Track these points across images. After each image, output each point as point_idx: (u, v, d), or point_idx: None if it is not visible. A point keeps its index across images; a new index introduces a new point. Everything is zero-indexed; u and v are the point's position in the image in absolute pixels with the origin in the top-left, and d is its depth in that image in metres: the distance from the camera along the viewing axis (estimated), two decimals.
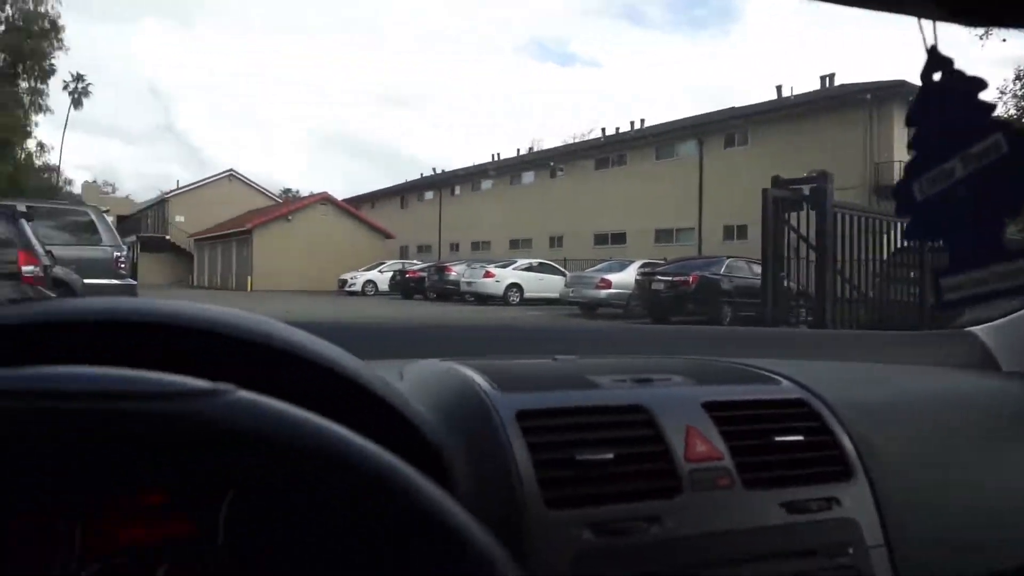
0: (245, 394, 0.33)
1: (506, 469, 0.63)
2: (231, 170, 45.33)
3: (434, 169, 39.48)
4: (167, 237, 43.33)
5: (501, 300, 20.46)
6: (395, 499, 0.35)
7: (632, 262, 17.21)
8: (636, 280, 15.40)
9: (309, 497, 0.36)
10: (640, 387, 0.76)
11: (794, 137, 21.34)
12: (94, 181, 57.49)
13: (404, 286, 24.73)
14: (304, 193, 44.78)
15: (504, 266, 21.34)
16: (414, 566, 0.36)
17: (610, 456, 0.65)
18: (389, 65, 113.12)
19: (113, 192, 64.22)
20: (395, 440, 0.44)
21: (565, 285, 17.55)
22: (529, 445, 0.65)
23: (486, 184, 34.57)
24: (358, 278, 28.11)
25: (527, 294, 20.88)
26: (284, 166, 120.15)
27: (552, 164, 30.00)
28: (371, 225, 33.36)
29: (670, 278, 14.45)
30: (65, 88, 66.10)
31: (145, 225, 47.47)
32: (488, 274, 20.54)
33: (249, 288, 30.06)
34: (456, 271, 22.51)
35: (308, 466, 0.33)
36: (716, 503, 0.67)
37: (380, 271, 28.43)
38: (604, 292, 16.21)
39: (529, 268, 21.55)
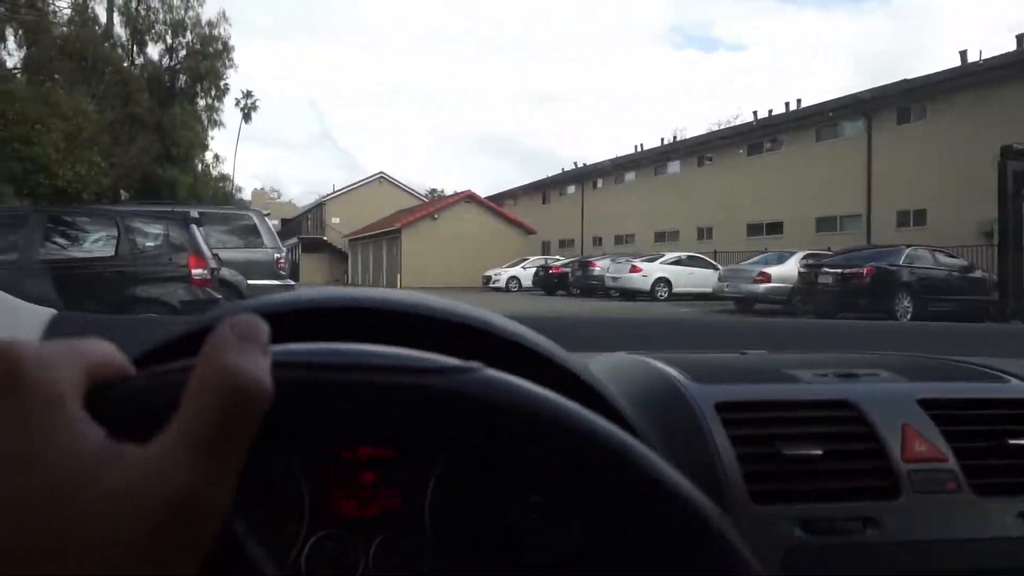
0: (495, 372, 0.35)
1: (708, 461, 0.62)
2: (381, 173, 47.50)
3: (575, 163, 39.12)
4: (324, 238, 46.13)
5: (648, 295, 19.67)
6: (633, 474, 0.35)
7: (793, 253, 15.85)
8: (799, 273, 14.11)
9: (552, 470, 0.36)
10: (845, 382, 0.72)
11: (982, 109, 18.77)
12: (262, 188, 62.45)
13: (547, 282, 24.52)
14: (448, 192, 45.95)
15: (651, 260, 20.50)
16: (667, 551, 0.36)
17: (819, 452, 0.63)
18: (528, 63, 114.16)
19: (278, 198, 69.69)
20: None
21: (719, 279, 16.48)
22: (731, 437, 0.63)
23: (629, 176, 33.63)
24: (502, 274, 28.30)
25: (676, 289, 19.94)
26: (430, 167, 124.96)
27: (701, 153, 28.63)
28: (513, 221, 33.52)
29: (840, 270, 13.08)
30: (237, 104, 72.48)
31: (305, 227, 50.90)
32: (634, 268, 19.79)
33: (399, 285, 31.18)
34: (600, 266, 21.95)
35: (557, 440, 0.34)
36: (942, 508, 0.63)
37: (523, 267, 28.45)
38: (763, 286, 15.03)
39: (677, 262, 20.57)
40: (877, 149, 21.68)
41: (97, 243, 7.12)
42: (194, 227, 7.52)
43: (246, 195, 62.16)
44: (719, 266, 21.10)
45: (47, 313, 0.93)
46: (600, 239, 35.06)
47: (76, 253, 6.97)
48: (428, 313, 0.53)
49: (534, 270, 26.58)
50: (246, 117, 73.81)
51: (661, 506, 0.35)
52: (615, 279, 20.31)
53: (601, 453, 0.35)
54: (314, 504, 0.58)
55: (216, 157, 37.82)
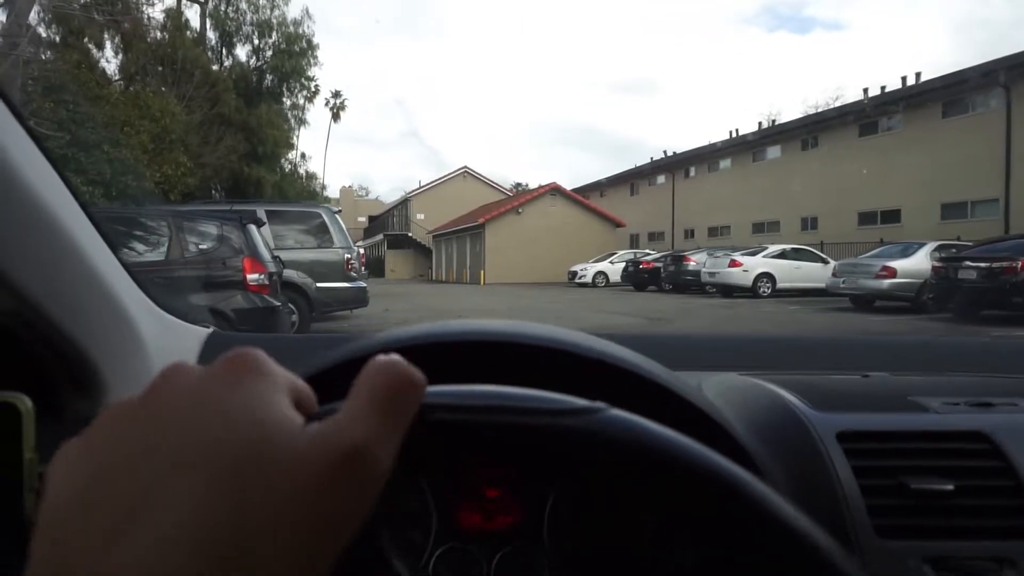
0: (620, 412, 0.37)
1: (831, 492, 0.60)
2: (465, 167, 47.11)
3: (664, 152, 37.32)
4: (409, 234, 46.19)
5: (749, 292, 18.06)
6: (748, 511, 0.35)
7: (922, 245, 13.96)
8: (933, 267, 12.30)
9: (669, 501, 0.37)
10: (978, 412, 0.67)
11: None
12: (350, 186, 63.44)
13: (636, 277, 23.18)
14: (533, 186, 45.03)
15: (752, 254, 18.83)
16: None
17: (950, 487, 0.60)
18: (614, 51, 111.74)
19: (366, 195, 70.85)
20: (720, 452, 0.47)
21: (833, 275, 14.75)
22: (854, 468, 0.61)
23: (724, 163, 31.62)
24: (588, 269, 27.13)
25: (780, 284, 18.23)
26: (515, 161, 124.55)
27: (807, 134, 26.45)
28: (600, 214, 32.20)
29: (987, 264, 11.23)
30: (326, 104, 74.47)
31: (391, 224, 51.28)
32: (734, 263, 18.21)
33: (482, 281, 30.55)
34: (696, 260, 20.44)
35: (675, 475, 0.36)
36: None
37: (611, 262, 27.17)
38: (887, 282, 13.26)
39: (782, 255, 18.79)
40: (1019, 124, 19.07)
41: (150, 246, 6.57)
42: (252, 227, 6.84)
43: (333, 192, 63.80)
44: (828, 259, 19.21)
45: (203, 332, 0.99)
46: (692, 231, 33.26)
47: (127, 257, 6.44)
48: (553, 346, 0.55)
49: (623, 265, 25.28)
50: (335, 116, 76.05)
51: (778, 543, 0.35)
52: (712, 274, 18.78)
53: (717, 489, 0.36)
54: (441, 516, 0.63)
55: (303, 155, 38.43)
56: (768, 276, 18.24)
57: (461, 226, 34.13)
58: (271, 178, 25.05)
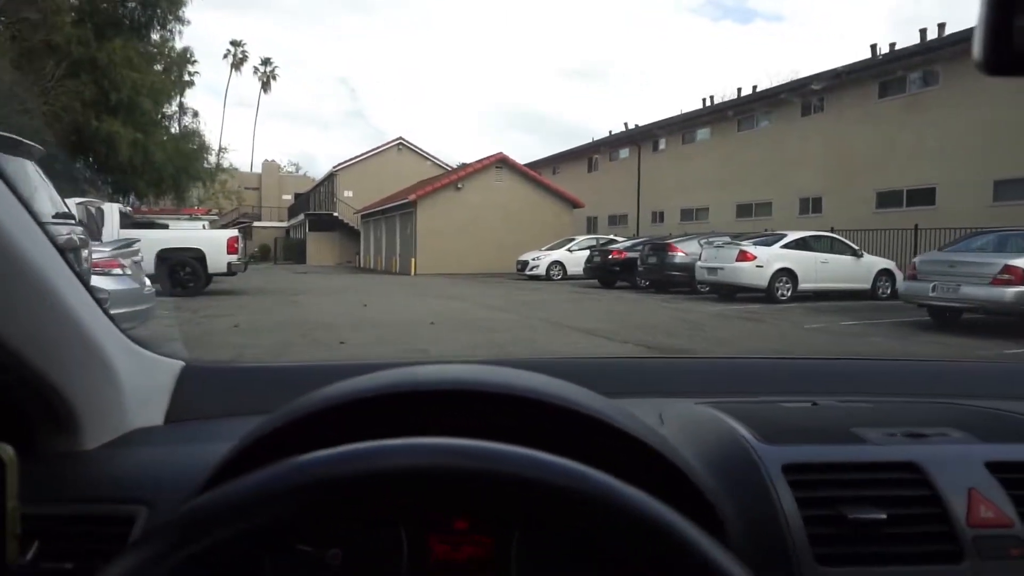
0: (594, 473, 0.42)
1: (775, 522, 0.64)
2: (400, 138, 41.33)
3: (626, 125, 32.45)
4: (335, 214, 40.31)
5: (763, 294, 13.32)
6: (673, 551, 0.40)
7: None
8: None
9: (591, 542, 0.41)
10: (913, 443, 0.72)
11: None
12: (273, 160, 56.66)
13: (604, 270, 18.30)
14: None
15: (766, 243, 14.05)
16: None
17: (883, 516, 0.64)
18: (564, 38, 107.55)
19: (297, 171, 63.89)
20: (675, 490, 0.51)
21: (912, 276, 10.00)
22: (797, 500, 0.65)
23: (702, 134, 26.85)
24: (541, 259, 22.12)
25: (803, 285, 13.54)
26: (462, 144, 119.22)
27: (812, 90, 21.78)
28: (555, 192, 27.13)
29: None
30: (255, 73, 67.55)
31: (316, 202, 45.23)
32: (745, 255, 13.40)
33: (412, 271, 25.18)
34: (685, 251, 15.62)
35: (590, 514, 0.40)
36: (1006, 575, 0.63)
37: (569, 249, 22.22)
38: (1012, 290, 8.57)
39: (802, 245, 14.11)
40: None
41: None
42: None
43: (256, 167, 57.41)
44: (861, 251, 14.59)
45: (176, 366, 0.98)
46: (661, 214, 28.56)
47: None
48: (505, 392, 0.57)
49: (584, 253, 20.40)
50: (265, 86, 69.41)
51: None
52: (712, 270, 13.97)
53: (669, 546, 0.40)
54: (411, 546, 0.64)
55: (195, 114, 31.88)
56: (788, 273, 13.51)
57: (389, 204, 28.56)
58: (127, 135, 18.92)
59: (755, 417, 0.78)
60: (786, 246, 13.83)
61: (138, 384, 0.87)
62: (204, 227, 19.07)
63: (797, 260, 13.64)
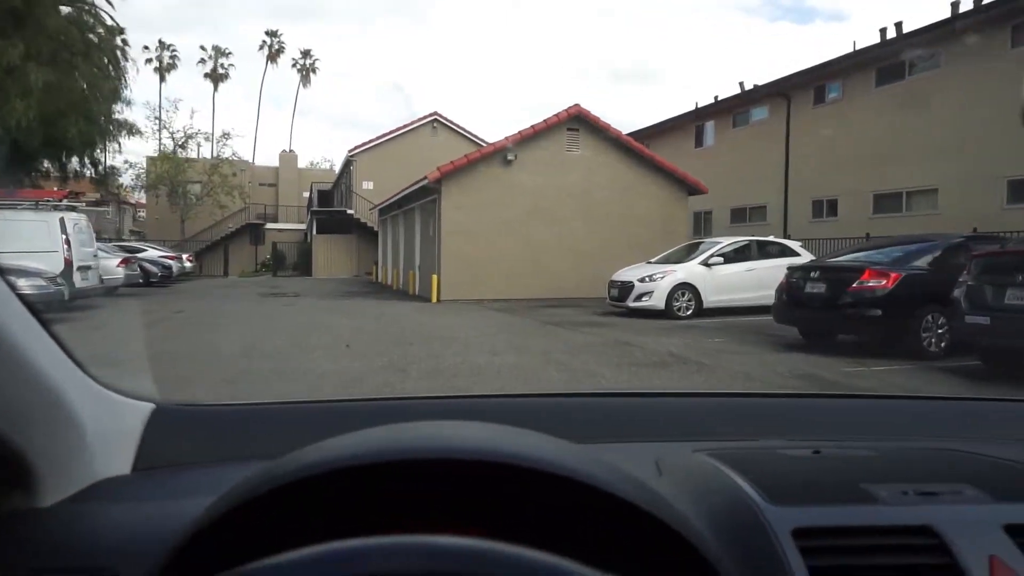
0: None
1: None
2: (435, 114, 31.86)
3: (741, 84, 22.12)
4: (349, 211, 31.11)
5: None
6: None
7: None
8: None
9: None
10: (927, 503, 0.69)
11: None
12: (290, 150, 47.91)
13: (831, 311, 8.16)
14: None
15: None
16: None
17: None
18: (616, 39, 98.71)
19: (332, 167, 55.28)
20: (676, 556, 0.51)
21: None
22: (809, 569, 0.62)
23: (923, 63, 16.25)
24: (656, 280, 12.15)
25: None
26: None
27: None
28: (664, 170, 17.01)
29: None
30: (294, 65, 60.90)
31: (337, 198, 36.31)
32: None
33: (434, 295, 15.53)
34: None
35: None
36: None
37: (706, 263, 12.22)
38: None
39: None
40: None
41: None
42: None
43: (271, 159, 49.25)
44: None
45: (146, 408, 0.92)
46: (823, 203, 18.14)
47: None
48: (476, 459, 0.51)
49: (735, 271, 10.49)
50: (304, 79, 62.16)
51: None
52: None
53: None
54: None
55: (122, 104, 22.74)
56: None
57: (405, 191, 18.99)
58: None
59: (758, 470, 0.74)
60: None
61: (103, 430, 0.81)
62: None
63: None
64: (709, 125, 23.17)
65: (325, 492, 0.51)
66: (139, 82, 79.23)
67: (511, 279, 15.38)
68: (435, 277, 15.71)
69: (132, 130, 23.69)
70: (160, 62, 56.71)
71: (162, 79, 55.25)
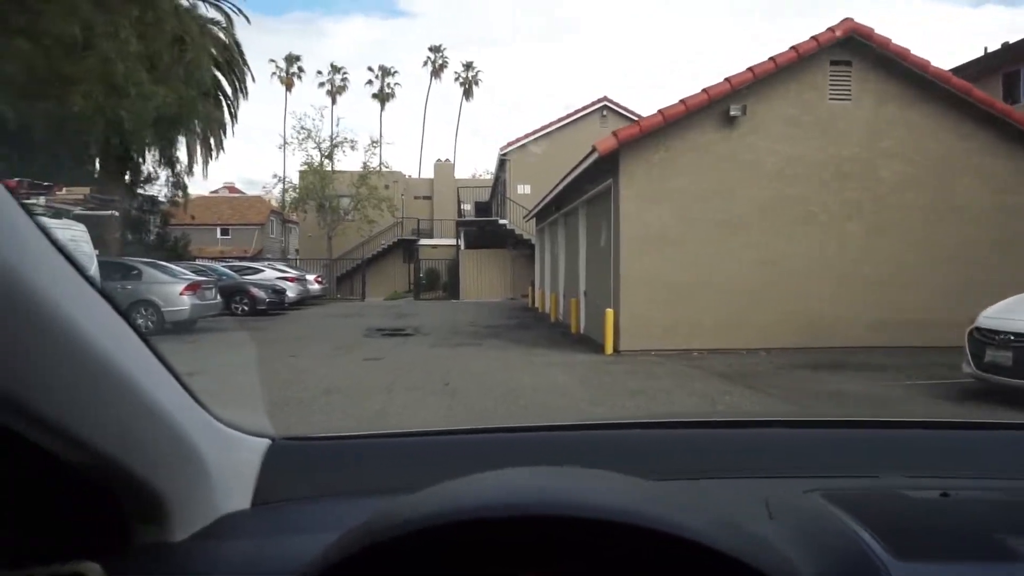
0: None
1: None
2: (605, 99, 25.92)
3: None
4: (501, 221, 25.92)
5: None
6: None
7: None
8: None
9: None
10: None
11: None
12: (446, 160, 43.94)
13: None
14: None
15: None
16: None
17: None
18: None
19: (481, 175, 51.25)
20: None
21: None
22: None
23: None
24: None
25: None
26: None
27: None
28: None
29: None
30: (456, 79, 59.38)
31: (495, 208, 31.50)
32: None
33: (609, 344, 9.44)
34: None
35: None
36: None
37: None
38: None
39: None
40: None
41: None
42: None
43: (427, 170, 45.63)
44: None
45: (263, 444, 0.92)
46: None
47: None
48: (622, 520, 0.50)
49: None
50: (466, 92, 59.95)
51: None
52: None
53: None
54: None
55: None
56: None
57: (565, 178, 13.15)
58: None
59: (878, 515, 0.68)
60: None
61: (224, 466, 0.82)
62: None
63: None
64: None
65: (441, 537, 0.51)
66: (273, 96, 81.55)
67: (739, 315, 8.99)
68: (610, 313, 9.65)
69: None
70: (332, 84, 57.33)
71: (333, 102, 55.27)
